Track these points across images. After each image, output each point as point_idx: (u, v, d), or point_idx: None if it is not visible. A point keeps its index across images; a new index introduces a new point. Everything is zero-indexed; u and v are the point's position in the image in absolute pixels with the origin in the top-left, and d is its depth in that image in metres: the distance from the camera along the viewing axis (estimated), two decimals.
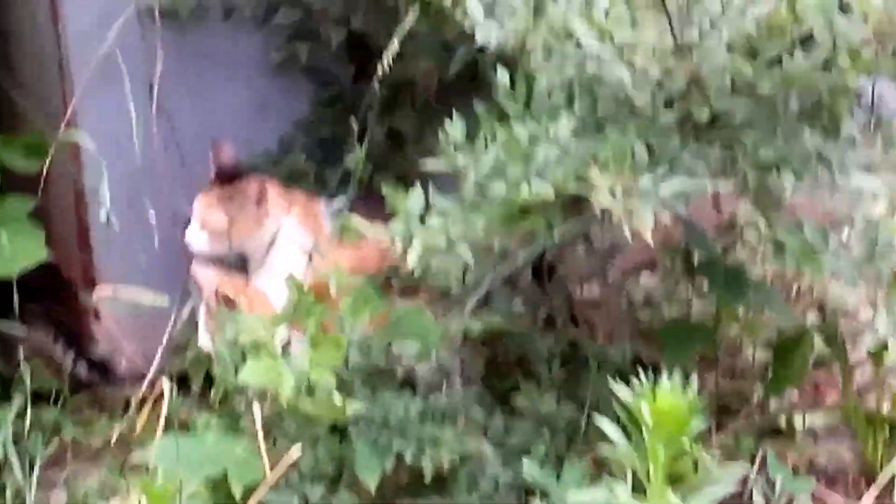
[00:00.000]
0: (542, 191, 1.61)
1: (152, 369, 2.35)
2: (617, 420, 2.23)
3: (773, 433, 2.37)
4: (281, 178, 2.57)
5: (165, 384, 1.99)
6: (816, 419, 2.40)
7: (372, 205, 2.58)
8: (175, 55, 2.44)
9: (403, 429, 1.98)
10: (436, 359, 2.11)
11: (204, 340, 2.41)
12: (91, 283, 2.57)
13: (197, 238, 2.43)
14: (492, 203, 1.67)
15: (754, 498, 2.17)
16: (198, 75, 2.54)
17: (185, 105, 2.51)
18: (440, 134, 1.79)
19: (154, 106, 2.42)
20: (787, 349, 2.28)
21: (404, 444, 1.96)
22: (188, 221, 2.45)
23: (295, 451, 1.88)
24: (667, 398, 1.60)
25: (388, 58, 2.27)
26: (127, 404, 2.41)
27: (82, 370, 2.62)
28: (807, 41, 1.70)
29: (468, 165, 1.69)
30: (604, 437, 1.72)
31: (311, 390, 1.92)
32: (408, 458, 1.96)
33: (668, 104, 1.71)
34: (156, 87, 2.41)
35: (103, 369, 2.63)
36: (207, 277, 2.41)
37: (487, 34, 1.78)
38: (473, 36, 2.34)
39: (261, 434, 1.93)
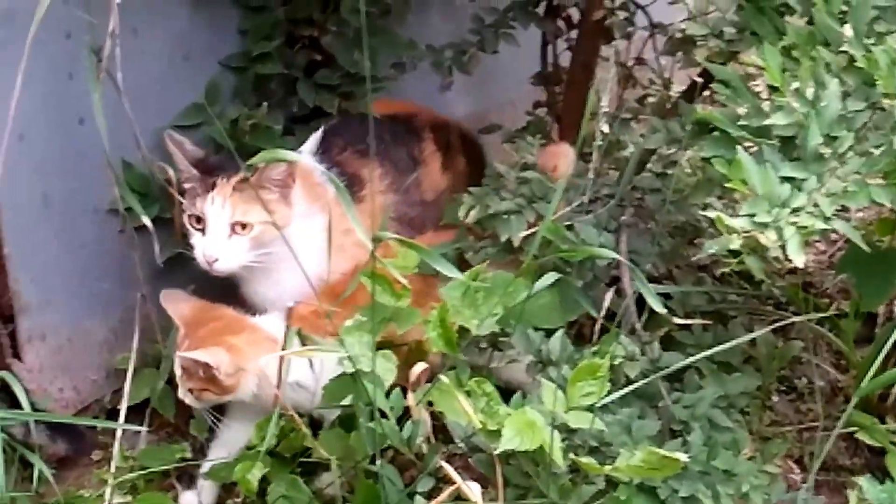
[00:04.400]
0: None
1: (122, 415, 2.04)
2: None
3: None
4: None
5: None
6: None
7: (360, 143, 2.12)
8: None
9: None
10: None
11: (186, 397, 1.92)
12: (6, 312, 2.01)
13: (228, 250, 1.90)
14: (844, 162, 1.40)
15: None
16: None
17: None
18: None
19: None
20: None
21: (692, 486, 1.52)
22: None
23: None
24: None
25: None
26: None
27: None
28: None
29: (808, 114, 1.41)
30: None
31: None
32: None
33: None
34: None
35: (76, 437, 2.08)
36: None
37: None
38: None
39: None
